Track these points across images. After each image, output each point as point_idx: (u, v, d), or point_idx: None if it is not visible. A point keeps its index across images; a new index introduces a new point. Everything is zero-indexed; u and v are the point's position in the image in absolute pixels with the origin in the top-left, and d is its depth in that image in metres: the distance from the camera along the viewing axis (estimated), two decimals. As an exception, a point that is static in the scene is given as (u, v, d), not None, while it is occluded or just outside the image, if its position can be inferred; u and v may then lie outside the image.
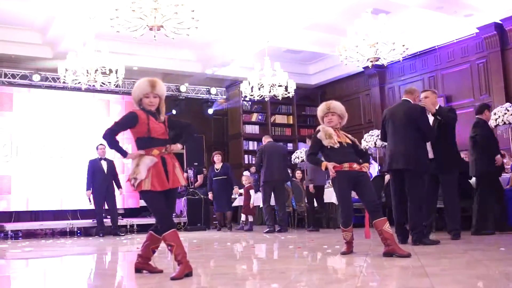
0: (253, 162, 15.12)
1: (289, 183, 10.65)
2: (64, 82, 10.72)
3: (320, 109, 5.56)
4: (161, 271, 4.43)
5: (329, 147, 5.34)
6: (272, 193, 9.92)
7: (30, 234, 11.31)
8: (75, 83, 10.60)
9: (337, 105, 5.51)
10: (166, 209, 4.26)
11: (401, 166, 6.08)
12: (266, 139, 10.32)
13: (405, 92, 6.55)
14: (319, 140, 5.42)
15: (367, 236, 5.68)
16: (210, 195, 11.38)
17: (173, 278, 3.94)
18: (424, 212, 6.20)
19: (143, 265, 4.49)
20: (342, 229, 5.44)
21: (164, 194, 4.25)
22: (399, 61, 10.30)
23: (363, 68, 12.59)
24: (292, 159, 14.51)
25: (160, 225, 4.25)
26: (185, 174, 4.54)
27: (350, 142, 5.44)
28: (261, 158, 9.89)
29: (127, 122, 4.37)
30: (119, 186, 10.86)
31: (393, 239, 5.03)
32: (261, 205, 10.89)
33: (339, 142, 5.34)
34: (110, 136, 4.36)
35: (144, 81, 4.39)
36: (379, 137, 7.07)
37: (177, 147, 4.42)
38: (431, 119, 6.60)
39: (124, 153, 4.39)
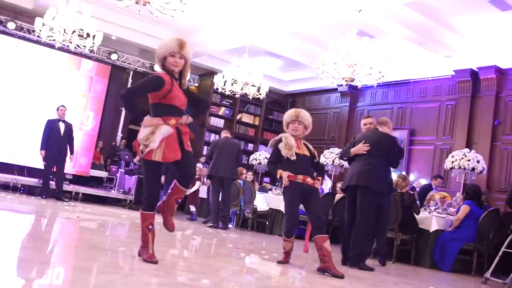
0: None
1: (242, 182, 10.66)
2: (38, 36, 10.50)
3: (288, 115, 5.55)
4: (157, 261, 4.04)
5: (286, 157, 5.38)
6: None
7: (-29, 182, 11.05)
8: (50, 40, 10.40)
9: (305, 115, 5.53)
10: (158, 190, 4.20)
11: (362, 183, 6.11)
12: (223, 134, 10.30)
13: (378, 123, 6.63)
14: (278, 150, 5.46)
15: (306, 250, 5.73)
16: (162, 179, 11.29)
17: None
18: (369, 236, 6.28)
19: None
20: (283, 238, 5.48)
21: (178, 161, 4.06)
22: (373, 86, 10.43)
23: (337, 85, 12.71)
24: (250, 160, 14.55)
25: (146, 202, 4.09)
26: None
27: (308, 154, 5.48)
28: (212, 151, 9.87)
29: (152, 85, 4.03)
30: (72, 151, 10.68)
31: (331, 257, 5.08)
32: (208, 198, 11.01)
33: (297, 153, 5.38)
34: (131, 97, 4.01)
35: (173, 39, 4.12)
36: (339, 155, 7.09)
37: (188, 119, 4.17)
38: None
39: (140, 118, 4.03)
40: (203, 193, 11.85)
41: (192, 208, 11.02)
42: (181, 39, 4.12)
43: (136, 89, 4.08)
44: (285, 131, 5.62)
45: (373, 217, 6.16)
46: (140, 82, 4.14)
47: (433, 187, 10.61)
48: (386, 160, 6.26)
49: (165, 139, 3.96)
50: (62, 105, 10.72)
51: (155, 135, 3.93)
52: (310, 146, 5.62)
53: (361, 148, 6.24)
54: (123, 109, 14.26)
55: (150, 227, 4.06)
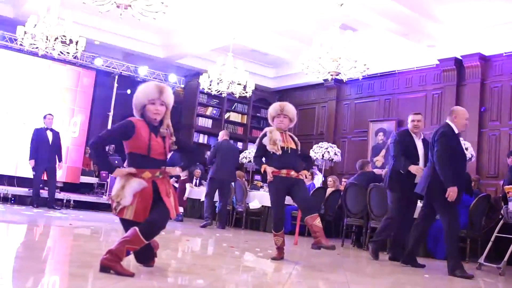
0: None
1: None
2: (21, 45, 10.43)
3: (273, 109, 5.59)
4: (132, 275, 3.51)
5: (272, 152, 5.41)
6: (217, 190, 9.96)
7: (-39, 195, 10.96)
8: (32, 48, 10.33)
9: (290, 108, 5.56)
10: None
11: (418, 191, 6.00)
12: (223, 137, 10.26)
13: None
14: (263, 145, 5.48)
15: (295, 242, 5.71)
16: None
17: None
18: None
19: (110, 263, 3.47)
20: (273, 233, 5.49)
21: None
22: (359, 79, 10.46)
23: (323, 80, 12.73)
24: (240, 158, 14.56)
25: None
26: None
27: (294, 147, 5.51)
28: (214, 154, 9.89)
29: (121, 132, 3.70)
30: (60, 159, 10.64)
31: (322, 231, 5.14)
32: (202, 199, 11.18)
33: (282, 147, 5.41)
34: (98, 146, 3.67)
35: (151, 85, 3.79)
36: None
37: (175, 171, 3.87)
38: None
39: (111, 169, 3.75)
40: (195, 195, 11.91)
41: (179, 209, 10.99)
42: (160, 85, 3.82)
43: (105, 138, 3.73)
44: (271, 125, 5.65)
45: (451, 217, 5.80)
46: (109, 129, 3.92)
47: None
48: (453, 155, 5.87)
49: (138, 195, 3.64)
50: (49, 114, 10.68)
51: (125, 191, 3.62)
52: (295, 138, 5.65)
53: (419, 171, 6.17)
54: (110, 114, 14.21)
55: (130, 252, 3.60)
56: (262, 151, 5.55)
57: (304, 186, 5.56)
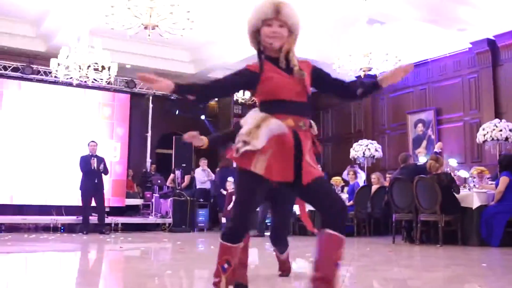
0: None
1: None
2: (55, 77, 10.67)
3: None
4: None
5: None
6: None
7: (13, 228, 11.20)
8: (67, 78, 10.55)
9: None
10: (247, 217, 2.88)
11: None
12: None
13: None
14: None
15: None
16: None
17: None
18: None
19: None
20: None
21: (292, 189, 2.81)
22: (391, 72, 10.30)
23: (356, 77, 12.61)
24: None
25: (227, 229, 2.86)
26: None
27: None
28: None
29: (239, 82, 2.99)
30: (106, 173, 10.91)
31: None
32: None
33: None
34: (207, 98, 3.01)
35: (265, 3, 2.82)
36: None
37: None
38: None
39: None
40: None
41: (224, 220, 11.02)
42: (277, 1, 2.83)
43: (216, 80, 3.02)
44: None
45: None
46: (223, 79, 3.06)
47: None
48: None
49: (274, 142, 2.67)
50: (92, 141, 10.85)
51: (261, 130, 2.67)
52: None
53: None
54: (148, 134, 14.36)
55: (226, 266, 2.77)
56: None
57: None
